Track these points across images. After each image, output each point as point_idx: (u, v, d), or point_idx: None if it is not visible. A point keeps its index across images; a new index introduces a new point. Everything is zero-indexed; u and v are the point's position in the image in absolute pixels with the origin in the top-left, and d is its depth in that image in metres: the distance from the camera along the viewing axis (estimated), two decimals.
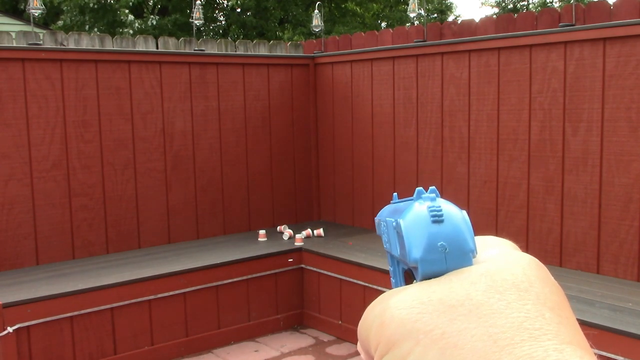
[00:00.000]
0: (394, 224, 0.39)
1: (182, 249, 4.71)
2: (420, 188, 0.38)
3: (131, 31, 13.83)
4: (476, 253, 0.37)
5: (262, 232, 4.99)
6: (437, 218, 0.36)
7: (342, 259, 4.39)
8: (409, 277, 0.40)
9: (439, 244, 0.36)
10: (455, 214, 0.37)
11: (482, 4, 27.54)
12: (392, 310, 0.35)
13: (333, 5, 17.78)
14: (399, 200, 0.42)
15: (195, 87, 4.95)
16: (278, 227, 5.20)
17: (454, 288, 0.34)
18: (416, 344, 0.33)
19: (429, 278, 0.36)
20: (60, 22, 14.72)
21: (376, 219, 0.45)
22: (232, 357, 4.27)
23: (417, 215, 0.37)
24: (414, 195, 0.38)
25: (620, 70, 3.67)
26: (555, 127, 3.98)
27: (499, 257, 0.37)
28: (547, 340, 0.31)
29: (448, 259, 0.36)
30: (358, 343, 0.39)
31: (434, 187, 0.38)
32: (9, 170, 4.21)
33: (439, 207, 0.37)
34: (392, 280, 0.42)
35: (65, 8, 14.76)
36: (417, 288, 0.35)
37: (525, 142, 4.15)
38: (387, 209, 0.43)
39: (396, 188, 4.91)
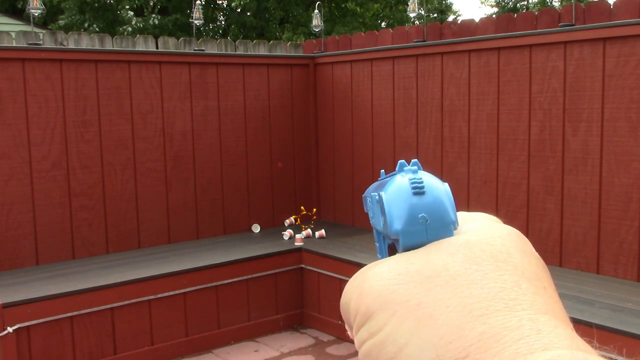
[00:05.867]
0: (377, 197, 0.39)
1: (182, 249, 4.71)
2: (403, 161, 0.38)
3: (130, 29, 13.80)
4: (457, 225, 0.37)
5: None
6: (418, 190, 0.36)
7: (342, 259, 4.39)
8: (393, 251, 0.40)
9: (420, 215, 0.36)
10: (437, 186, 0.37)
11: (482, 2, 27.51)
12: (370, 282, 0.35)
13: (333, 5, 17.77)
14: (386, 176, 0.42)
15: (195, 87, 4.95)
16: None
17: (432, 259, 0.34)
18: (392, 315, 0.33)
19: (410, 250, 0.36)
20: (61, 22, 14.72)
21: (363, 195, 0.45)
22: (232, 357, 4.27)
23: (398, 188, 0.37)
24: (396, 169, 0.38)
25: (620, 70, 3.67)
26: (555, 127, 3.98)
27: (480, 229, 0.37)
28: (522, 310, 0.31)
29: (429, 230, 0.36)
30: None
31: (416, 159, 0.38)
32: (9, 170, 4.21)
33: (420, 179, 0.37)
34: (379, 256, 0.42)
35: (65, 6, 14.75)
36: (396, 259, 0.36)
37: (525, 142, 4.15)
38: (373, 185, 0.43)
39: None
